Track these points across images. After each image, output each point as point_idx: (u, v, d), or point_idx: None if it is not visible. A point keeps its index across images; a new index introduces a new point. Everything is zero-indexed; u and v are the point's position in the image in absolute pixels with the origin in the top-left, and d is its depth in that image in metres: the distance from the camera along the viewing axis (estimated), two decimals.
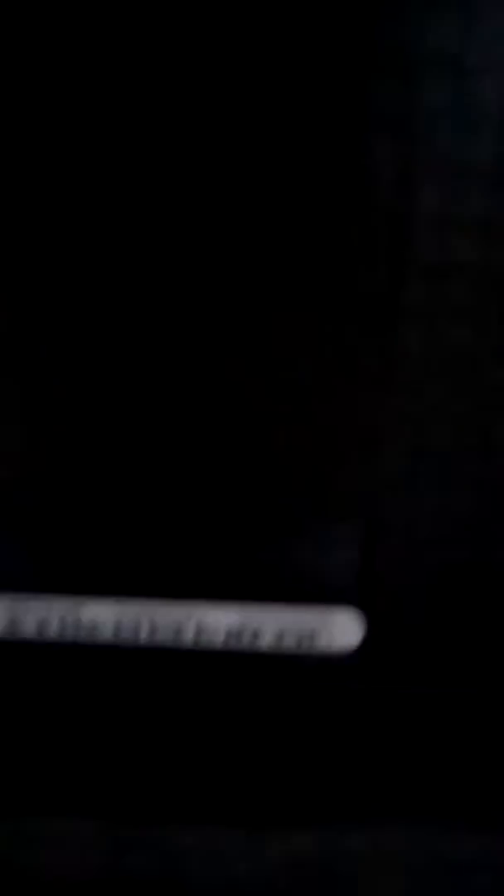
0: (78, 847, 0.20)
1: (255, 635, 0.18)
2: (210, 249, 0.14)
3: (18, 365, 0.15)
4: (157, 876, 0.20)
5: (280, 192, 0.14)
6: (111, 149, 0.14)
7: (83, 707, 0.19)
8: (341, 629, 0.18)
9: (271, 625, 0.18)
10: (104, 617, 0.18)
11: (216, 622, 0.18)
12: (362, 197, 0.13)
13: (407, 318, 0.14)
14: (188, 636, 0.18)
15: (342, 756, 0.20)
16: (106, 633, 0.18)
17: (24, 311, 0.15)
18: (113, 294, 0.15)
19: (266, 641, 0.18)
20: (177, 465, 0.16)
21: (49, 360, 0.15)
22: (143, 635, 0.18)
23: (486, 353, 0.14)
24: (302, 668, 0.18)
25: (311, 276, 0.14)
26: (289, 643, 0.18)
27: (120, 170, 0.14)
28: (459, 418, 0.15)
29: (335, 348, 0.15)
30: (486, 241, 0.13)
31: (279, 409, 0.15)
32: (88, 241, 0.14)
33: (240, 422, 0.16)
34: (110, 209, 0.14)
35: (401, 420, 0.15)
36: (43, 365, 0.15)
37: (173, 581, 0.18)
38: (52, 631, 0.18)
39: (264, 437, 0.16)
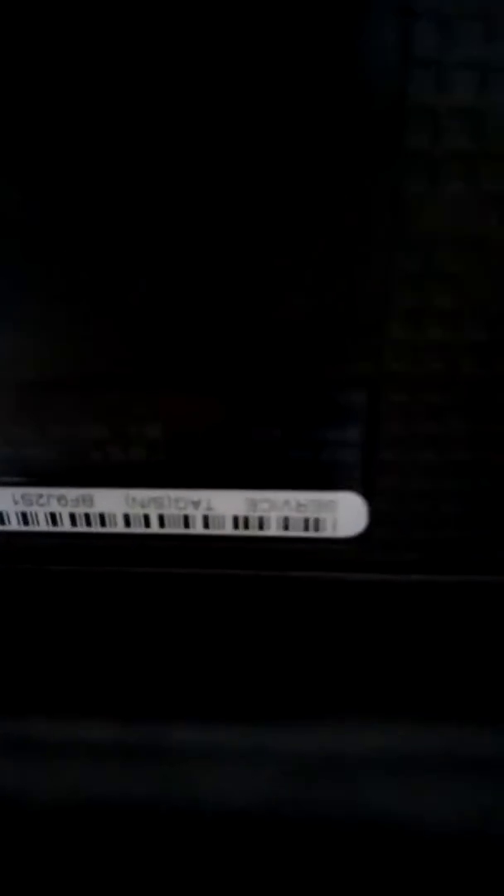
0: (83, 752, 0.20)
1: (262, 523, 0.18)
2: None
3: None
4: (163, 777, 0.20)
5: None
6: None
7: (91, 602, 0.20)
8: (346, 515, 0.18)
9: (277, 512, 0.18)
10: (114, 508, 0.19)
11: (223, 510, 0.18)
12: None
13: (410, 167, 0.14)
14: (197, 525, 0.19)
15: (346, 649, 0.20)
16: (116, 525, 0.19)
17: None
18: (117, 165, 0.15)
19: (272, 529, 0.18)
20: (176, 344, 0.17)
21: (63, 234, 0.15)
22: (152, 525, 0.19)
23: (489, 208, 0.14)
24: (307, 556, 0.19)
25: (311, 129, 0.14)
26: (294, 530, 0.18)
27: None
28: (465, 280, 0.15)
29: (334, 203, 0.15)
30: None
31: (278, 277, 0.16)
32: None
33: (238, 292, 0.16)
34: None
35: (404, 283, 0.15)
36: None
37: (180, 470, 0.18)
38: (64, 523, 0.19)
39: (264, 306, 0.16)
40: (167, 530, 0.19)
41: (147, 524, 0.19)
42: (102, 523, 0.19)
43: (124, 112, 0.14)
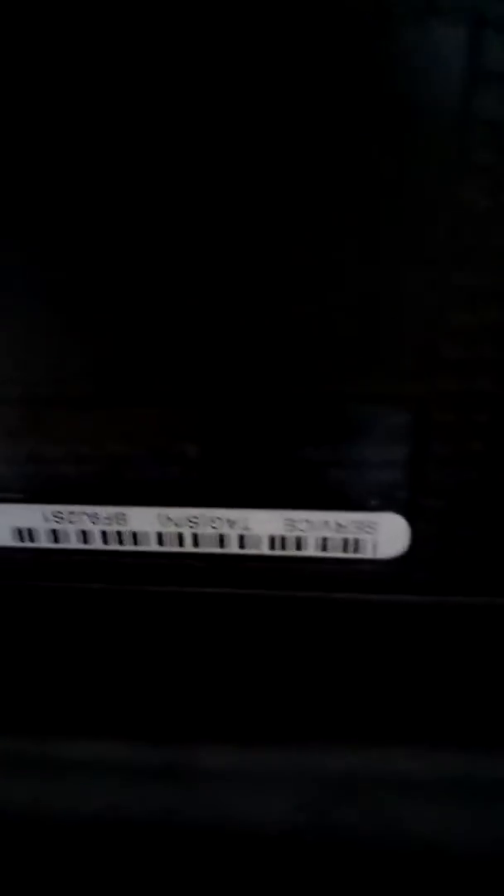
0: (107, 771, 0.20)
1: (299, 543, 0.18)
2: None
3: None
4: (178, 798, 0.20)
5: None
6: None
7: (119, 620, 0.19)
8: (387, 536, 0.18)
9: (316, 532, 0.18)
10: (147, 526, 0.18)
11: (260, 529, 0.18)
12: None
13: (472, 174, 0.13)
14: (232, 544, 0.18)
15: (381, 670, 0.19)
16: (149, 543, 0.18)
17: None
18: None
19: (310, 549, 0.18)
20: (216, 363, 0.16)
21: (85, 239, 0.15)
22: (186, 544, 0.18)
23: None
24: (345, 577, 0.18)
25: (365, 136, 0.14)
26: (333, 551, 0.18)
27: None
28: None
29: (391, 218, 0.14)
30: None
31: (327, 293, 0.15)
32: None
33: (284, 308, 0.15)
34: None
35: (459, 301, 0.15)
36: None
37: (217, 489, 0.18)
38: (95, 541, 0.18)
39: (311, 323, 0.15)
40: (201, 549, 0.18)
41: (181, 543, 0.18)
42: (135, 542, 0.18)
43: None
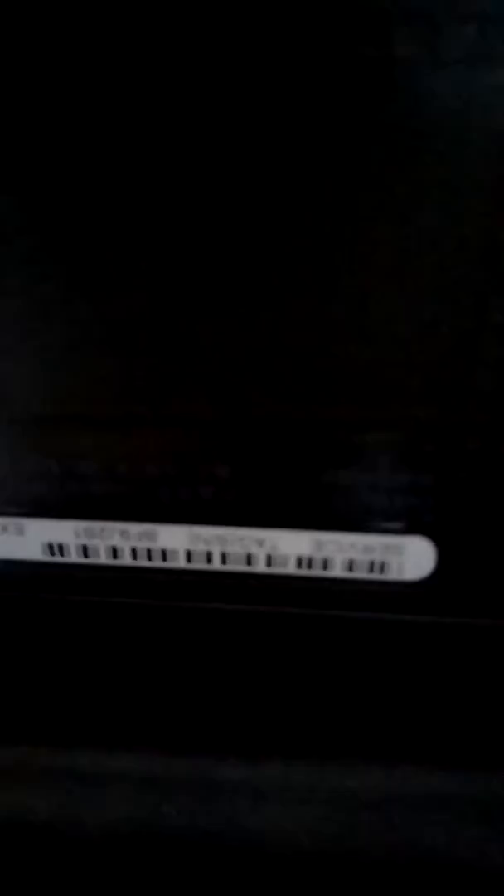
0: (123, 785, 0.20)
1: (326, 564, 0.18)
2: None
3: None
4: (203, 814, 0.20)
5: None
6: None
7: (145, 635, 0.19)
8: (413, 559, 0.18)
9: (343, 553, 0.18)
10: (177, 544, 0.18)
11: (288, 550, 0.18)
12: None
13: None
14: (259, 564, 0.18)
15: (401, 690, 0.20)
16: (177, 560, 0.18)
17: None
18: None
19: (336, 570, 0.18)
20: (243, 385, 0.16)
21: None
22: (214, 562, 0.18)
23: None
24: (369, 597, 0.18)
25: None
26: (359, 572, 0.18)
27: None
28: None
29: (427, 248, 0.14)
30: None
31: (361, 320, 0.15)
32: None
33: (316, 332, 0.16)
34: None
35: (496, 332, 0.15)
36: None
37: (246, 508, 0.18)
38: (125, 557, 0.18)
39: (342, 349, 0.16)
40: (228, 567, 0.18)
41: (209, 561, 0.18)
42: (164, 559, 0.18)
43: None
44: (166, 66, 0.14)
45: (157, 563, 0.19)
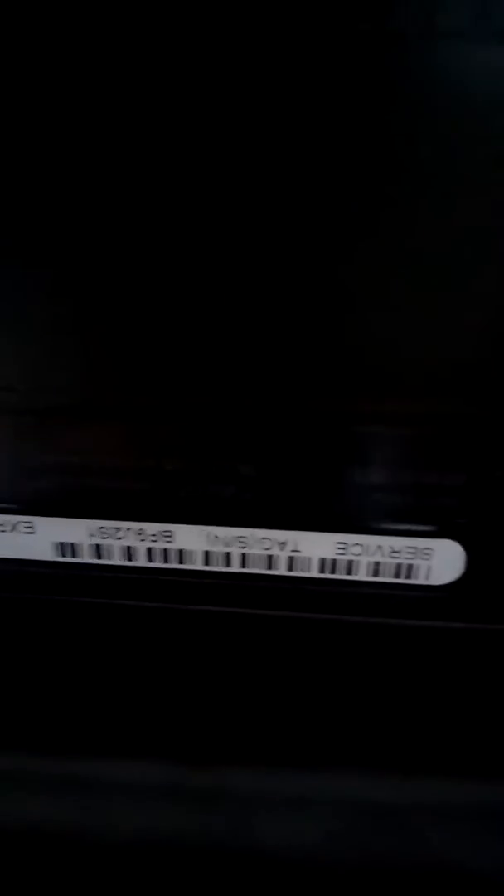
0: (143, 793, 0.20)
1: (350, 567, 0.17)
2: None
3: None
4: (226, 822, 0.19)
5: None
6: None
7: (158, 639, 0.19)
8: (441, 562, 0.17)
9: (368, 557, 0.17)
10: (194, 545, 0.17)
11: (310, 552, 0.17)
12: None
13: None
14: (280, 566, 0.17)
15: (431, 695, 0.19)
16: (194, 562, 0.18)
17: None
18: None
19: (361, 574, 0.17)
20: (270, 386, 0.16)
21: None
22: (233, 564, 0.18)
23: None
24: (394, 602, 0.17)
25: None
26: (384, 576, 0.17)
27: None
28: None
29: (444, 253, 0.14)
30: None
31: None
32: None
33: (338, 332, 0.15)
34: None
35: None
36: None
37: (268, 509, 0.17)
38: (139, 558, 0.18)
39: (364, 342, 0.15)
40: (248, 570, 0.18)
41: (228, 563, 0.18)
42: (180, 560, 0.18)
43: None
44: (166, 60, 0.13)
45: (174, 564, 0.18)
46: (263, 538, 0.17)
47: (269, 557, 0.17)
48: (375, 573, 0.17)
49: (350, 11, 0.13)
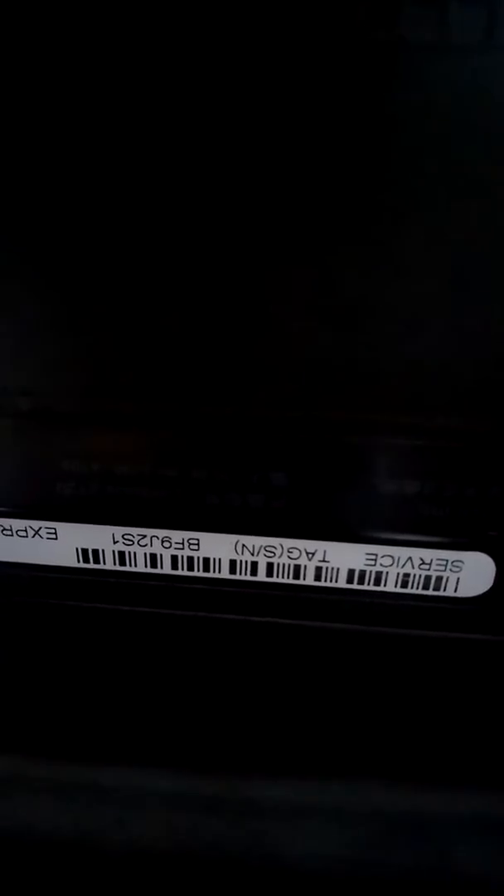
0: (156, 803, 0.19)
1: (378, 578, 0.17)
2: None
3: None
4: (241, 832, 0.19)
5: None
6: None
7: (180, 647, 0.18)
8: (471, 575, 0.17)
9: (397, 568, 0.17)
10: (220, 553, 0.17)
11: (339, 563, 0.17)
12: None
13: None
14: (308, 576, 0.17)
15: (462, 707, 0.19)
16: (220, 571, 0.17)
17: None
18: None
19: (390, 585, 0.17)
20: (293, 394, 0.15)
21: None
22: (259, 574, 0.17)
23: None
24: (422, 614, 0.17)
25: None
26: (413, 588, 0.17)
27: None
28: None
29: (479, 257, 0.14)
30: None
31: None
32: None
33: (365, 336, 0.15)
34: None
35: None
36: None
37: (297, 518, 0.17)
38: (164, 566, 0.17)
39: (393, 354, 0.15)
40: (274, 580, 0.17)
41: (254, 572, 0.17)
42: (206, 568, 0.17)
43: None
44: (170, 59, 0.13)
45: (198, 573, 0.17)
46: (292, 548, 0.17)
47: (297, 567, 0.17)
48: (405, 585, 0.17)
49: (364, 20, 0.12)
